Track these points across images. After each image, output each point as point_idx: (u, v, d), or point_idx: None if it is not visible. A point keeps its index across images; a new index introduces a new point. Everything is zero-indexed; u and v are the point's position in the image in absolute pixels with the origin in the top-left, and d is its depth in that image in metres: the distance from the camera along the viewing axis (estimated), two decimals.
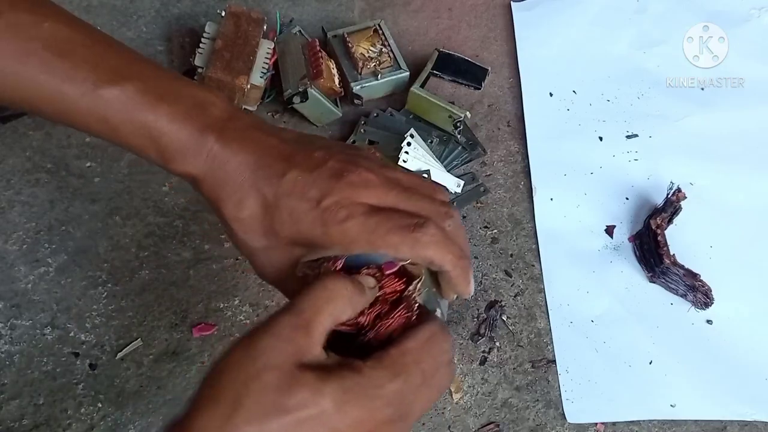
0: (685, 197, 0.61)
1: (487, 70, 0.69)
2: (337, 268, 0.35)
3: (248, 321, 0.60)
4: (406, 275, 0.36)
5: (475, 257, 0.63)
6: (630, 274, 0.64)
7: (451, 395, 0.58)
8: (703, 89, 0.72)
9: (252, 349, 0.29)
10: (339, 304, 0.32)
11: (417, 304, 0.35)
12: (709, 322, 0.62)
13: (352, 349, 0.33)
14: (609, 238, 0.65)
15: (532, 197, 0.67)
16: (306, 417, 0.28)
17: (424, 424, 0.58)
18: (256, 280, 0.62)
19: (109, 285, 0.61)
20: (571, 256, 0.64)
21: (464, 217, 0.64)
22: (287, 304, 0.32)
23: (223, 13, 0.65)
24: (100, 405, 0.57)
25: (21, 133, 0.65)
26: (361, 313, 0.34)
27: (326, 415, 0.28)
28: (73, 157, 0.65)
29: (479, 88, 0.69)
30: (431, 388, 0.32)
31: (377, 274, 0.36)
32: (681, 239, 0.63)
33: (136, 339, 0.59)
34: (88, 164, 0.65)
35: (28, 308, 0.59)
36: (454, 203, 0.64)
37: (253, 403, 0.28)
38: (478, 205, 0.65)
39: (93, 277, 0.61)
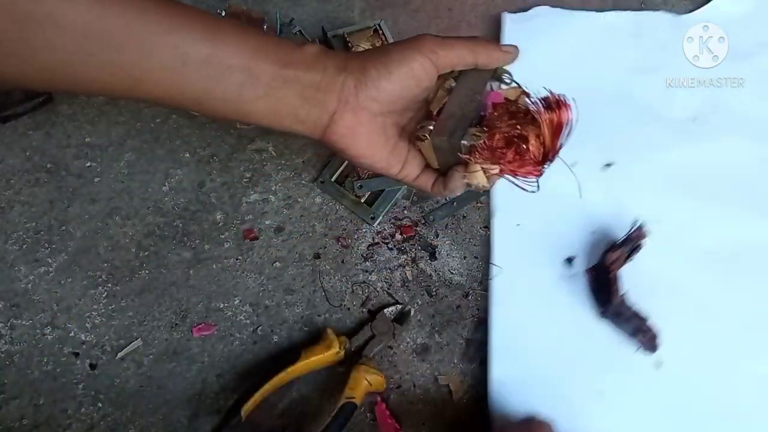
0: (646, 235, 0.59)
1: None
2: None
3: (248, 321, 0.61)
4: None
5: (475, 257, 0.63)
6: (581, 307, 0.61)
7: (451, 395, 0.58)
8: (695, 119, 0.69)
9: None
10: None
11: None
12: (657, 365, 0.59)
13: None
14: (567, 268, 0.62)
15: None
16: None
17: (424, 423, 0.58)
18: (256, 280, 0.62)
19: (109, 285, 0.61)
20: (526, 282, 0.62)
21: (464, 217, 0.64)
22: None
23: (223, 13, 0.65)
24: (100, 405, 0.57)
25: (21, 133, 0.65)
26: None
27: None
28: (73, 157, 0.65)
29: None
30: None
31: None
32: (641, 278, 0.60)
33: (136, 339, 0.59)
34: (88, 164, 0.65)
35: (28, 308, 0.59)
36: (455, 203, 0.64)
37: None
38: (478, 204, 0.65)
39: (93, 277, 0.61)
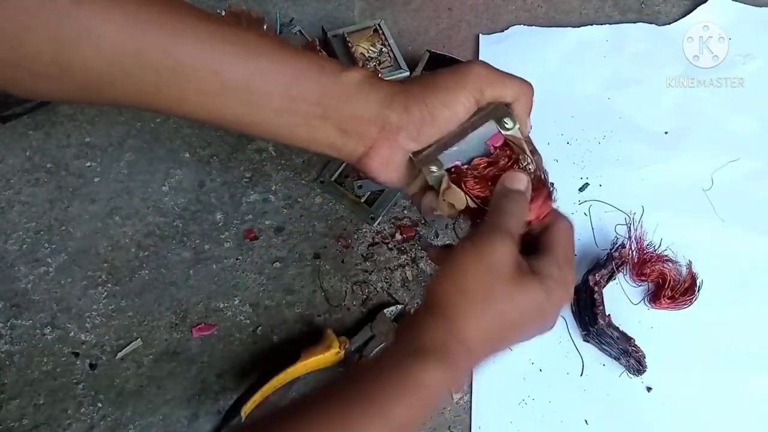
0: (628, 255, 0.59)
1: None
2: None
3: (248, 321, 0.61)
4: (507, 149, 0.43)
5: None
6: (563, 329, 0.60)
7: (451, 395, 0.58)
8: (666, 133, 0.68)
9: (479, 250, 0.37)
10: (523, 212, 0.40)
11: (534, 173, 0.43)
12: (648, 389, 0.57)
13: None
14: None
15: None
16: (532, 308, 0.38)
17: (424, 423, 0.58)
18: (256, 280, 0.62)
19: (109, 285, 0.61)
20: None
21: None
22: (481, 223, 0.40)
23: (223, 13, 0.65)
24: (100, 405, 0.57)
25: (21, 133, 0.65)
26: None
27: (541, 305, 0.38)
28: (73, 157, 0.65)
29: None
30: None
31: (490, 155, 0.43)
32: (623, 298, 0.60)
33: (136, 339, 0.59)
34: (88, 164, 0.65)
35: (28, 308, 0.59)
36: None
37: (499, 296, 0.37)
38: None
39: (93, 277, 0.61)
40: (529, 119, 0.45)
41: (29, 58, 0.34)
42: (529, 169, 0.42)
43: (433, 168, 0.42)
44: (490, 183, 0.42)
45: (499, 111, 0.43)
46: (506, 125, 0.43)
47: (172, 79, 0.37)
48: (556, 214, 0.43)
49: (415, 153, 0.43)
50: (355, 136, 0.42)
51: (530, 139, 0.45)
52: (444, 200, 0.42)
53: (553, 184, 0.44)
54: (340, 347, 0.56)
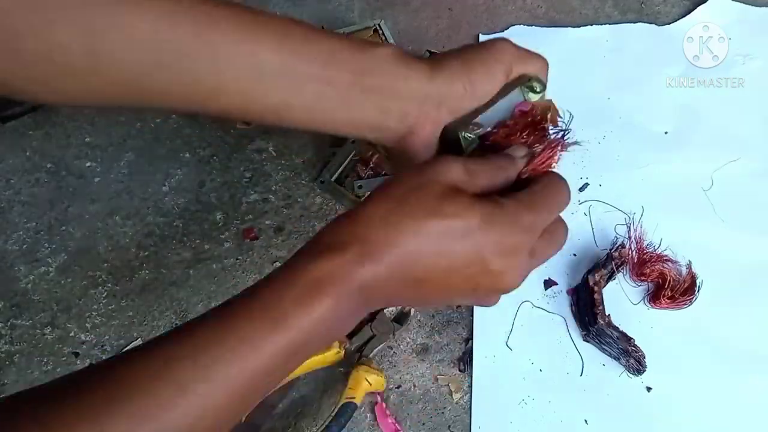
0: (628, 255, 0.59)
1: None
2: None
3: None
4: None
5: None
6: (563, 329, 0.60)
7: (451, 395, 0.58)
8: (666, 133, 0.68)
9: (419, 170, 0.35)
10: (499, 174, 0.38)
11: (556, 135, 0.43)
12: (648, 389, 0.57)
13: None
14: (548, 291, 0.61)
15: None
16: (457, 226, 0.33)
17: (424, 423, 0.58)
18: (256, 280, 0.62)
19: (109, 285, 0.61)
20: (506, 305, 0.60)
21: None
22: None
23: None
24: None
25: (21, 133, 0.65)
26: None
27: (472, 229, 0.34)
28: (73, 157, 0.65)
29: None
30: (552, 235, 0.38)
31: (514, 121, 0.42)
32: (623, 298, 0.60)
33: (136, 339, 0.59)
34: (88, 164, 0.65)
35: (28, 308, 0.59)
36: None
37: (415, 202, 0.34)
38: None
39: (93, 277, 0.61)
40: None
41: (60, 50, 0.33)
42: (551, 128, 0.43)
43: (468, 134, 0.42)
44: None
45: (523, 79, 0.44)
46: (536, 89, 0.44)
47: (210, 67, 0.36)
48: (555, 174, 0.42)
49: (448, 124, 0.43)
50: (395, 113, 0.40)
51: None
52: None
53: (568, 140, 0.43)
54: (339, 347, 0.56)
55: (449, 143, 0.42)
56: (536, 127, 0.42)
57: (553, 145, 0.42)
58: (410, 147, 0.42)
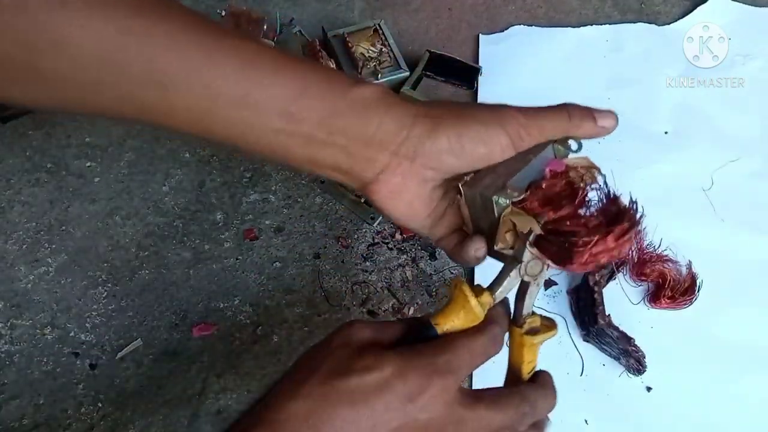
0: (628, 255, 0.59)
1: (479, 69, 0.69)
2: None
3: (248, 321, 0.60)
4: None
5: None
6: (563, 329, 0.59)
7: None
8: (666, 133, 0.68)
9: (328, 340, 0.34)
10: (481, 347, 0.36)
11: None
12: (648, 389, 0.57)
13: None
14: (548, 290, 0.61)
15: None
16: (371, 381, 0.31)
17: None
18: (256, 280, 0.62)
19: (109, 285, 0.61)
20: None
21: None
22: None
23: (224, 13, 0.65)
24: (100, 405, 0.57)
25: (21, 133, 0.65)
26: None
27: (387, 380, 0.31)
28: (73, 157, 0.65)
29: (471, 88, 0.69)
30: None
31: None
32: (623, 298, 0.60)
33: (136, 339, 0.59)
34: (88, 164, 0.65)
35: (28, 308, 0.59)
36: None
37: (325, 369, 0.32)
38: None
39: (93, 277, 0.61)
40: (601, 119, 0.40)
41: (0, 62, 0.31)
42: (590, 192, 0.37)
43: (503, 198, 0.36)
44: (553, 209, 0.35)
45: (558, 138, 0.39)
46: (571, 147, 0.39)
47: (158, 93, 0.34)
48: (547, 377, 0.40)
49: (457, 183, 0.38)
50: (362, 160, 0.37)
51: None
52: (505, 231, 0.36)
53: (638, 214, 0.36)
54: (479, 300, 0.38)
55: (480, 208, 0.38)
56: (576, 193, 0.36)
57: (624, 232, 0.34)
58: (375, 196, 0.39)
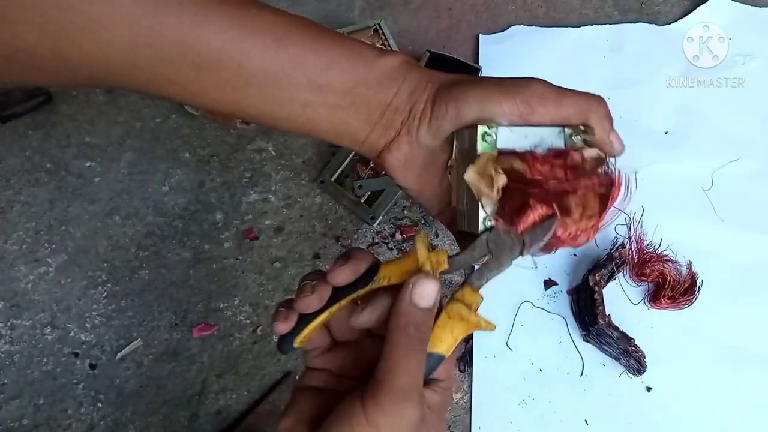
0: (628, 255, 0.59)
1: (479, 69, 0.69)
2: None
3: (248, 321, 0.60)
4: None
5: None
6: (564, 329, 0.60)
7: (451, 395, 0.58)
8: (666, 133, 0.68)
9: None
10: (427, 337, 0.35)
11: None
12: (648, 389, 0.58)
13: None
14: (548, 291, 0.62)
15: None
16: None
17: None
18: (256, 280, 0.62)
19: (109, 285, 0.61)
20: (506, 306, 0.61)
21: None
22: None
23: None
24: (100, 405, 0.57)
25: (21, 133, 0.65)
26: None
27: None
28: (73, 157, 0.65)
29: None
30: None
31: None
32: (623, 298, 0.60)
33: (136, 339, 0.59)
34: (88, 164, 0.65)
35: (28, 308, 0.59)
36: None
37: None
38: None
39: (93, 277, 0.61)
40: (614, 137, 0.39)
41: (24, 53, 0.31)
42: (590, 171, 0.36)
43: (490, 130, 0.34)
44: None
45: (574, 126, 0.37)
46: (588, 136, 0.37)
47: (191, 73, 0.34)
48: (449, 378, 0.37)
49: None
50: (380, 127, 0.38)
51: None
52: (480, 173, 0.35)
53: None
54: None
55: (466, 154, 0.37)
56: (581, 175, 0.35)
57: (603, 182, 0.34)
58: (386, 165, 0.39)
